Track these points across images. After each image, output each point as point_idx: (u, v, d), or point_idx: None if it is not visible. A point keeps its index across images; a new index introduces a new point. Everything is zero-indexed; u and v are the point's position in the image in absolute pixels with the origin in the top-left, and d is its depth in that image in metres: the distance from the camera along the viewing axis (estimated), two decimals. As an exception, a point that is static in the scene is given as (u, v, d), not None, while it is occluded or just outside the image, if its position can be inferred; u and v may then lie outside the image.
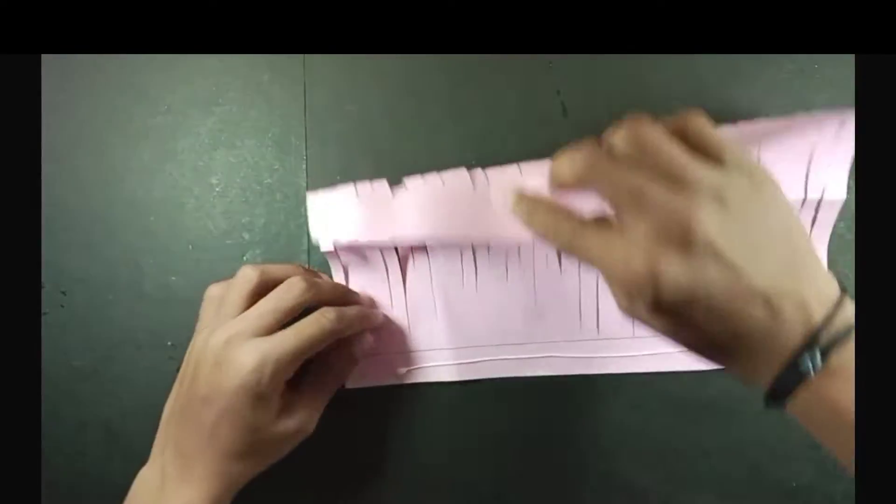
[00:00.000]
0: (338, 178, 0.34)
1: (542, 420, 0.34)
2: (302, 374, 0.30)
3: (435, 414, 0.34)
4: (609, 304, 0.32)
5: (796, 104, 0.33)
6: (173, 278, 0.35)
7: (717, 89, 0.33)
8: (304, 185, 0.34)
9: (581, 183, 0.23)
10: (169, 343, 0.35)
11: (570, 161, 0.24)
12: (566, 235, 0.24)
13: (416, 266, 0.33)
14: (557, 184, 0.25)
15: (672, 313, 0.21)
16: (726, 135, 0.22)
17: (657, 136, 0.22)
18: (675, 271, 0.20)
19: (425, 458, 0.35)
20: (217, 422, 0.27)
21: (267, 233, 0.34)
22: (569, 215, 0.24)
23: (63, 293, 0.35)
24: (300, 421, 0.29)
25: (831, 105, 0.33)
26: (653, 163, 0.22)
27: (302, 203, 0.34)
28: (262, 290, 0.29)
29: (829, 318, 0.21)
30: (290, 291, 0.28)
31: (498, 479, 0.35)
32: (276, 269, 0.30)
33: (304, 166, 0.34)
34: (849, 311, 0.21)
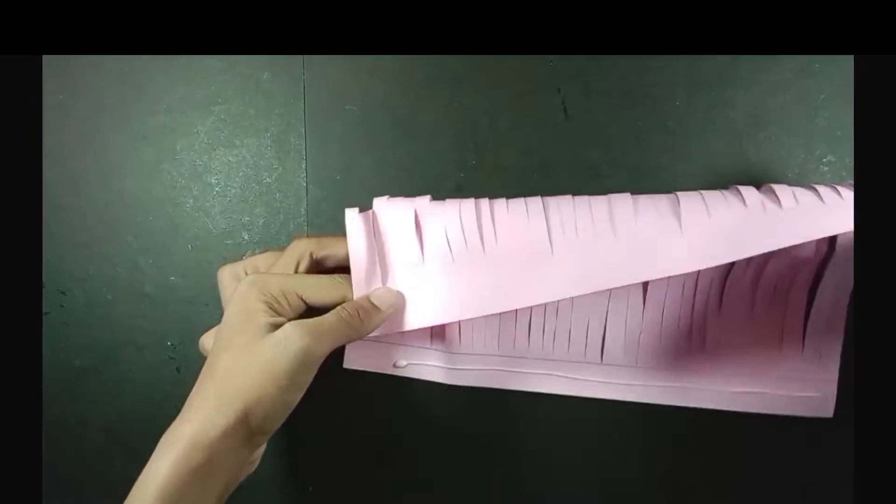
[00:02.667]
0: (338, 177, 0.34)
1: (542, 420, 0.34)
2: None
3: (433, 410, 0.34)
4: (616, 333, 0.33)
5: (796, 104, 0.33)
6: (173, 278, 0.35)
7: (717, 89, 0.33)
8: (304, 184, 0.34)
9: None
10: (169, 343, 0.35)
11: None
12: None
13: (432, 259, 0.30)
14: None
15: None
16: None
17: None
18: None
19: (423, 457, 0.35)
20: (217, 343, 0.27)
21: (267, 232, 0.34)
22: None
23: (63, 293, 0.35)
24: (283, 333, 0.26)
25: (830, 104, 0.33)
26: None
27: (301, 202, 0.34)
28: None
29: None
30: (291, 248, 0.30)
31: (496, 478, 0.35)
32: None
33: (303, 166, 0.34)
34: None
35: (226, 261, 0.33)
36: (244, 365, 0.25)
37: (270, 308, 0.27)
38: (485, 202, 0.30)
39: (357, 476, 0.35)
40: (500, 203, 0.30)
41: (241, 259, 0.34)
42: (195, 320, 0.34)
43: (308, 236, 0.31)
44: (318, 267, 0.31)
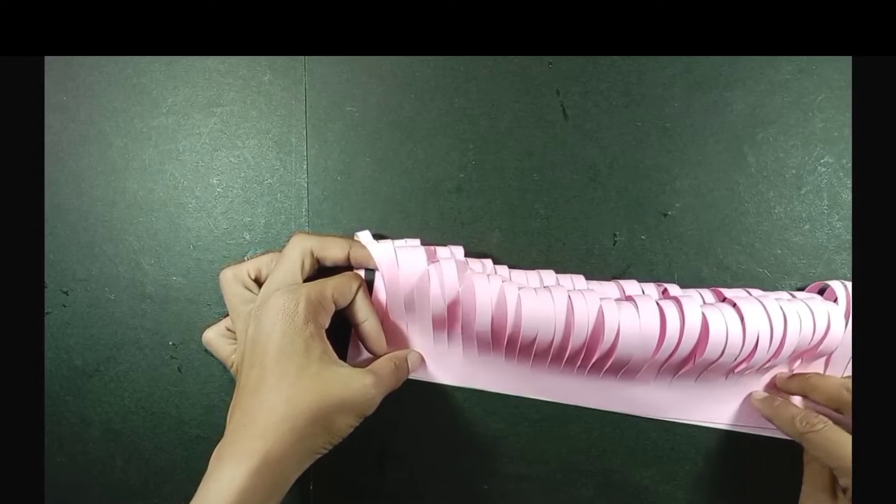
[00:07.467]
0: (338, 178, 0.34)
1: (541, 418, 0.34)
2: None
3: (433, 410, 0.35)
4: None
5: (796, 104, 0.33)
6: (174, 278, 0.35)
7: (715, 90, 0.33)
8: (305, 185, 0.34)
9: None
10: (170, 342, 0.35)
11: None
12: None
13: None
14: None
15: None
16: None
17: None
18: None
19: (424, 457, 0.35)
20: (261, 368, 0.26)
21: (268, 233, 0.35)
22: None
23: (65, 293, 0.35)
24: (362, 379, 0.28)
25: (828, 105, 0.33)
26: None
27: (302, 203, 0.34)
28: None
29: None
30: (294, 244, 0.30)
31: (496, 477, 0.35)
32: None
33: (304, 166, 0.34)
34: None
35: (227, 261, 0.34)
36: (314, 389, 0.27)
37: (317, 327, 0.28)
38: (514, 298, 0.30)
39: (357, 476, 0.35)
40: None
41: (241, 259, 0.34)
42: (196, 320, 0.35)
43: (308, 232, 0.32)
44: (318, 265, 0.31)
